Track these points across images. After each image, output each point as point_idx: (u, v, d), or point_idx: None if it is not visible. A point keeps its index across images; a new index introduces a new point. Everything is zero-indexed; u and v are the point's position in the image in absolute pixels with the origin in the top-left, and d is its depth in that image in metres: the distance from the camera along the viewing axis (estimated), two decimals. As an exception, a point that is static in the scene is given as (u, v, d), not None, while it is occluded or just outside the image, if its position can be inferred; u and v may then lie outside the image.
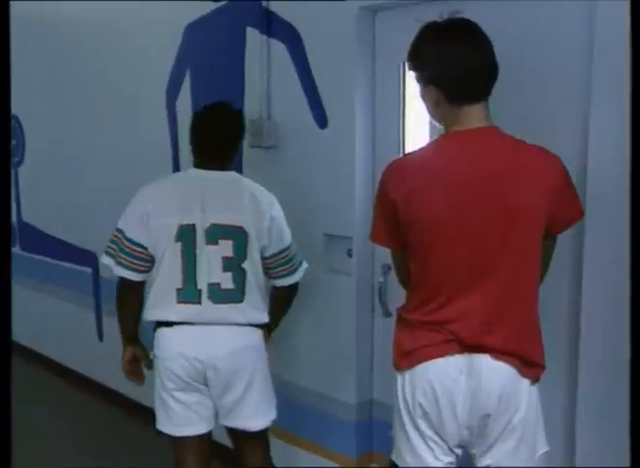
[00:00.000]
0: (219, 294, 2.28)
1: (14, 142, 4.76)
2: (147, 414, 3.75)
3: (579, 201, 1.79)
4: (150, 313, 2.35)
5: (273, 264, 2.41)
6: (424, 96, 1.80)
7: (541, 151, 1.71)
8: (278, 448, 2.57)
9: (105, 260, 2.42)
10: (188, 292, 2.28)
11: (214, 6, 3.10)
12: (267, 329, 2.48)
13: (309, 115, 2.71)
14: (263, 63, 2.86)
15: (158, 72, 3.44)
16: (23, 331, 4.34)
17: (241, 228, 2.28)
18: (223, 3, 3.05)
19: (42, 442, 3.56)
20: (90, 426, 3.90)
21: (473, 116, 1.72)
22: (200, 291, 2.28)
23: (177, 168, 3.42)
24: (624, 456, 1.86)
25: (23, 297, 4.49)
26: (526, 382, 1.74)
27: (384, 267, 2.56)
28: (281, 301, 2.53)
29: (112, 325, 4.07)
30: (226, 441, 2.60)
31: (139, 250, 2.31)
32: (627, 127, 1.82)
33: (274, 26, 2.82)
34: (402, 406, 1.82)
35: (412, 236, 1.78)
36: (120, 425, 3.87)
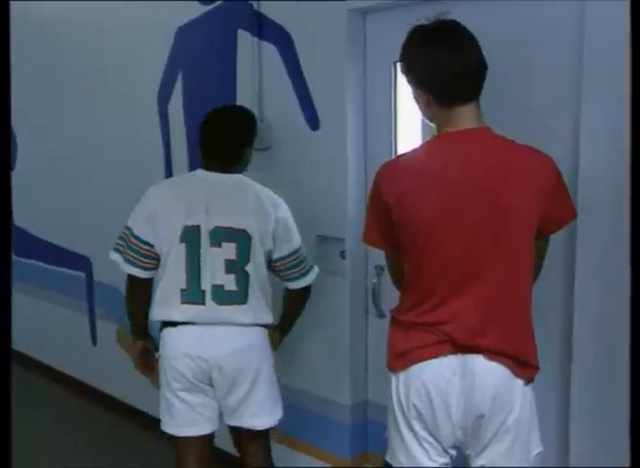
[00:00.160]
0: (222, 296, 2.29)
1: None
2: (142, 418, 3.77)
3: (571, 201, 1.80)
4: (156, 313, 2.37)
5: (283, 267, 2.40)
6: (416, 98, 1.80)
7: (534, 151, 1.72)
8: (273, 450, 2.57)
9: (113, 256, 2.43)
10: (192, 293, 2.30)
11: (205, 8, 3.09)
12: (280, 331, 2.51)
13: (301, 117, 2.71)
14: (255, 65, 2.86)
15: (150, 74, 3.43)
16: (16, 335, 4.31)
17: (244, 231, 2.28)
18: (214, 5, 3.05)
19: (39, 444, 3.55)
20: (86, 430, 3.89)
21: (465, 117, 1.73)
22: (204, 292, 2.29)
23: (169, 169, 3.42)
24: (618, 456, 1.87)
25: (16, 302, 4.46)
26: (520, 383, 1.74)
27: (378, 268, 2.56)
28: (294, 304, 2.52)
29: (106, 329, 4.10)
30: (227, 446, 2.59)
31: (145, 247, 2.34)
32: (622, 127, 1.84)
33: (265, 28, 2.81)
34: (396, 407, 1.82)
35: (405, 237, 1.78)
36: (115, 429, 3.86)
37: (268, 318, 2.39)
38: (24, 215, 4.78)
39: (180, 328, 2.32)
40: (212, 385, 2.33)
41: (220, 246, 2.28)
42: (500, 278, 1.70)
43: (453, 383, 1.73)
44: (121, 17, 3.61)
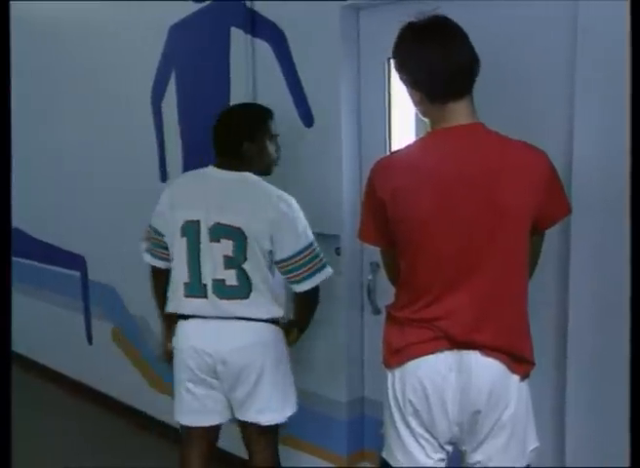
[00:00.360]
0: (223, 290, 2.31)
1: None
2: (139, 418, 3.77)
3: (566, 196, 1.80)
4: (168, 305, 2.46)
5: (285, 270, 2.33)
6: (409, 95, 1.80)
7: (528, 147, 1.72)
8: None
9: (142, 246, 2.58)
10: (194, 287, 2.35)
11: (198, 6, 3.09)
12: (298, 328, 2.50)
13: (295, 114, 2.71)
14: (248, 63, 2.85)
15: (144, 73, 3.42)
16: (12, 335, 4.30)
17: (239, 229, 2.28)
18: (207, 3, 3.05)
19: (38, 445, 3.54)
20: (83, 430, 3.88)
21: (458, 113, 1.73)
22: (205, 285, 2.33)
23: (163, 168, 3.41)
24: (614, 450, 1.88)
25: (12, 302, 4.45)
26: (515, 378, 1.74)
27: (373, 265, 2.56)
28: (300, 307, 2.48)
29: (101, 328, 4.10)
30: (232, 447, 2.58)
31: (158, 238, 2.46)
32: (615, 123, 1.84)
33: (258, 26, 2.81)
34: (392, 403, 1.82)
35: (400, 234, 1.78)
36: (113, 428, 3.86)
37: (275, 312, 2.36)
38: (19, 215, 4.76)
39: (188, 321, 2.39)
40: (218, 378, 2.36)
41: (218, 241, 2.30)
42: (496, 274, 1.71)
43: (449, 379, 1.73)
44: (114, 16, 3.60)
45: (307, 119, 2.68)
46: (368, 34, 2.55)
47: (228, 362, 2.31)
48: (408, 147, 1.83)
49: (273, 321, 2.37)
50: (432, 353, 1.75)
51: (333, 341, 2.72)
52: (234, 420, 2.48)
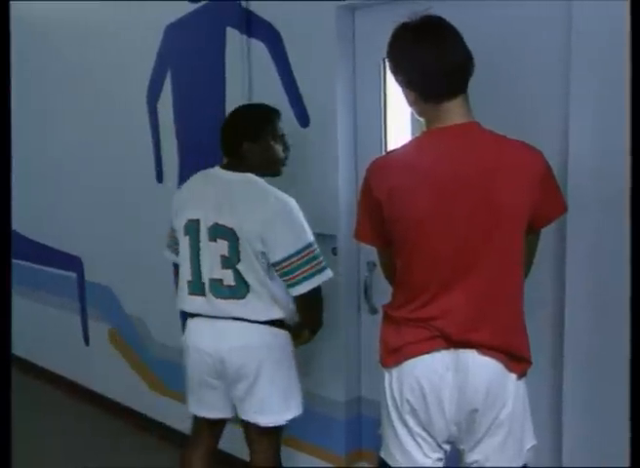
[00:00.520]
0: (220, 290, 2.33)
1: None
2: (137, 419, 3.77)
3: (562, 195, 1.80)
4: (177, 302, 2.50)
5: (279, 272, 2.29)
6: (404, 95, 1.81)
7: (524, 146, 1.72)
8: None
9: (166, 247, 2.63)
10: (196, 285, 2.38)
11: (193, 6, 3.09)
12: (310, 330, 2.50)
13: (291, 114, 2.70)
14: (244, 63, 2.85)
15: (140, 73, 3.42)
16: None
17: (232, 230, 2.28)
18: (203, 3, 3.04)
19: (36, 445, 3.54)
20: (81, 430, 3.87)
21: (453, 112, 1.73)
22: (204, 284, 2.36)
23: (159, 168, 3.41)
24: (611, 448, 1.89)
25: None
26: (513, 377, 1.75)
27: (370, 265, 2.57)
28: (300, 310, 2.42)
29: (98, 329, 4.09)
30: (233, 450, 2.58)
31: (172, 233, 2.51)
32: (610, 122, 1.85)
33: (254, 26, 2.81)
34: (390, 403, 1.82)
35: (396, 233, 1.78)
36: (111, 429, 3.85)
37: (275, 314, 2.34)
38: (14, 216, 4.75)
39: (193, 319, 2.43)
40: (218, 378, 2.38)
41: (215, 241, 2.32)
42: (491, 273, 1.71)
43: (446, 378, 1.73)
44: (110, 15, 3.60)
45: (303, 119, 2.69)
46: (363, 34, 2.55)
47: (226, 361, 2.32)
48: (404, 147, 1.83)
49: (274, 322, 2.36)
50: (429, 352, 1.75)
51: (330, 341, 2.72)
52: (238, 419, 2.48)
